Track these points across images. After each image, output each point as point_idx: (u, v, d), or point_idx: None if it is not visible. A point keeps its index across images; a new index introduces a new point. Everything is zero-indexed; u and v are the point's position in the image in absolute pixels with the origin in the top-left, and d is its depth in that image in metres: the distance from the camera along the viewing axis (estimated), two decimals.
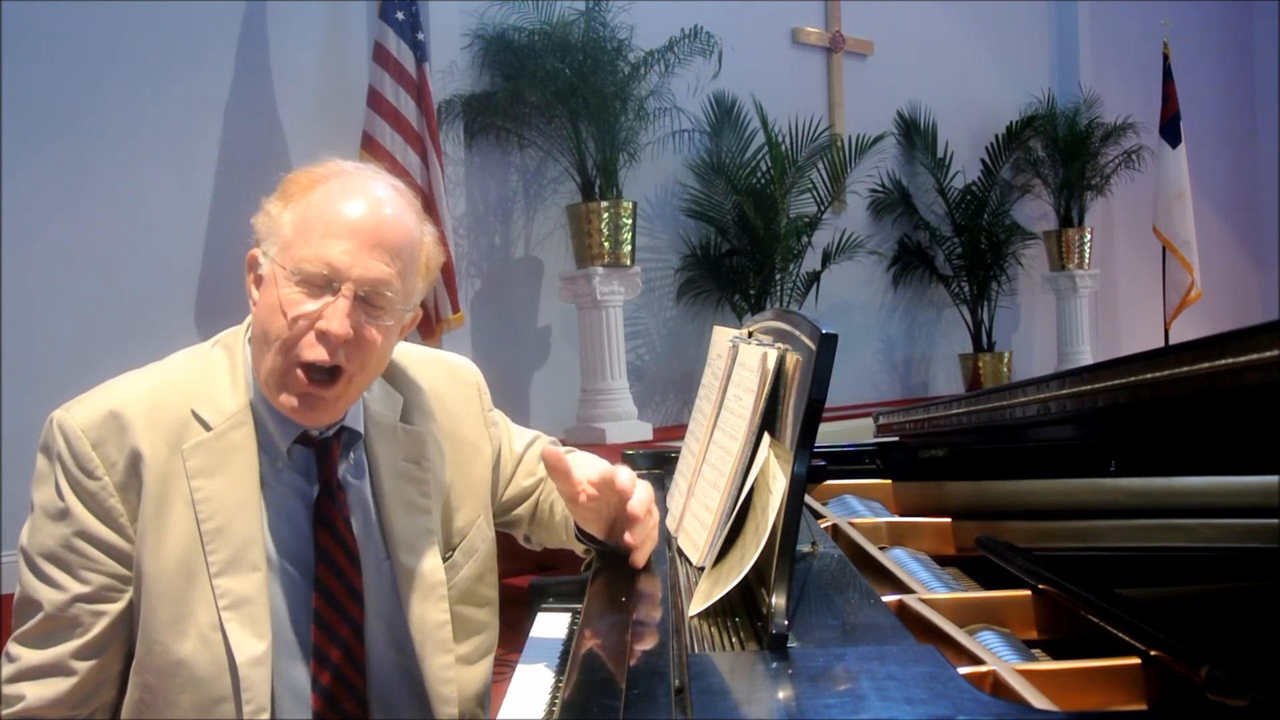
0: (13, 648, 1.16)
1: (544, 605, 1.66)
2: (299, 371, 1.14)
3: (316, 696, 1.19)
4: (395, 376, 1.35)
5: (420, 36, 4.09)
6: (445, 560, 1.29)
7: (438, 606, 1.26)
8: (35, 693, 1.14)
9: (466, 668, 1.31)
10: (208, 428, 1.17)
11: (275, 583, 1.19)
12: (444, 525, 1.31)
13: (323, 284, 1.13)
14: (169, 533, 1.14)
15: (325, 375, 1.15)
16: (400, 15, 4.04)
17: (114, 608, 1.15)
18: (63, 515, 1.14)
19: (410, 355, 1.40)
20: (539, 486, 1.47)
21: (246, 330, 1.25)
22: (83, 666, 1.15)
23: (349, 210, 1.14)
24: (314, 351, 1.13)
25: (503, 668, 1.42)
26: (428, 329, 4.16)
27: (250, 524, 1.16)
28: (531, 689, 1.34)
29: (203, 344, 1.27)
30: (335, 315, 1.13)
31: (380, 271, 1.15)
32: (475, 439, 1.39)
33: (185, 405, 1.17)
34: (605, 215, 4.45)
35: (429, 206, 4.06)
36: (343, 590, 1.21)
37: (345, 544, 1.22)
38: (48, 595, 1.14)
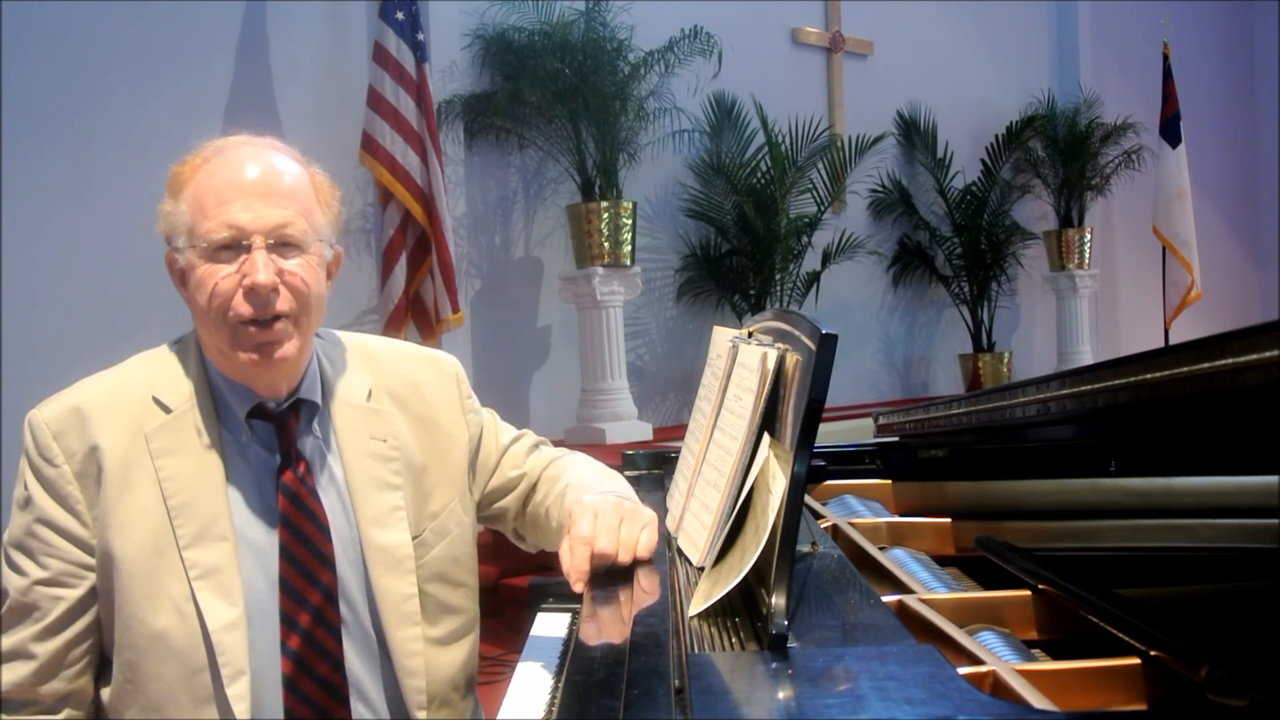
0: None
1: (544, 605, 1.66)
2: (245, 329, 1.20)
3: (286, 660, 1.21)
4: (368, 362, 1.39)
5: (420, 36, 4.09)
6: (415, 539, 1.32)
7: (404, 580, 1.29)
8: (4, 677, 1.18)
9: (439, 649, 1.32)
10: (167, 410, 1.22)
11: (246, 554, 1.22)
12: (417, 506, 1.33)
13: (234, 245, 1.19)
14: (136, 513, 1.18)
15: (271, 320, 1.20)
16: (400, 15, 4.04)
17: (71, 593, 1.19)
18: (26, 504, 1.19)
19: (389, 345, 1.45)
20: (523, 480, 1.48)
21: (195, 330, 1.30)
22: (41, 650, 1.18)
23: (234, 174, 1.21)
24: (247, 307, 1.19)
25: (502, 668, 1.43)
26: (428, 329, 4.16)
27: (215, 497, 1.20)
28: (531, 689, 1.34)
29: (165, 343, 1.33)
30: (255, 268, 1.18)
31: (280, 215, 1.21)
32: (452, 426, 1.41)
33: (146, 394, 1.23)
34: (605, 215, 4.45)
35: (429, 207, 4.07)
36: (310, 557, 1.23)
37: (310, 511, 1.25)
38: (13, 582, 1.19)
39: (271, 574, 1.22)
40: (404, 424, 1.35)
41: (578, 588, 1.16)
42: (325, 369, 1.33)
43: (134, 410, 1.21)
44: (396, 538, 1.29)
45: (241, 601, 1.18)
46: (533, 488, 1.48)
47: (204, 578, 1.17)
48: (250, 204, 1.19)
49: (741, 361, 1.25)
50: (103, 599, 1.20)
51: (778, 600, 0.91)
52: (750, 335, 1.33)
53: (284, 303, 1.20)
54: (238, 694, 1.16)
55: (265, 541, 1.22)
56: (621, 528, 1.20)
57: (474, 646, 1.40)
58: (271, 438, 1.26)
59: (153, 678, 1.17)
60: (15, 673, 1.18)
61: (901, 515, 1.66)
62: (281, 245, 1.21)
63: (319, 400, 1.30)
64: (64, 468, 1.18)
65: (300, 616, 1.21)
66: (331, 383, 1.33)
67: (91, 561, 1.19)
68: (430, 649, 1.30)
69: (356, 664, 1.26)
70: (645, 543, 1.21)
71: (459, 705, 1.35)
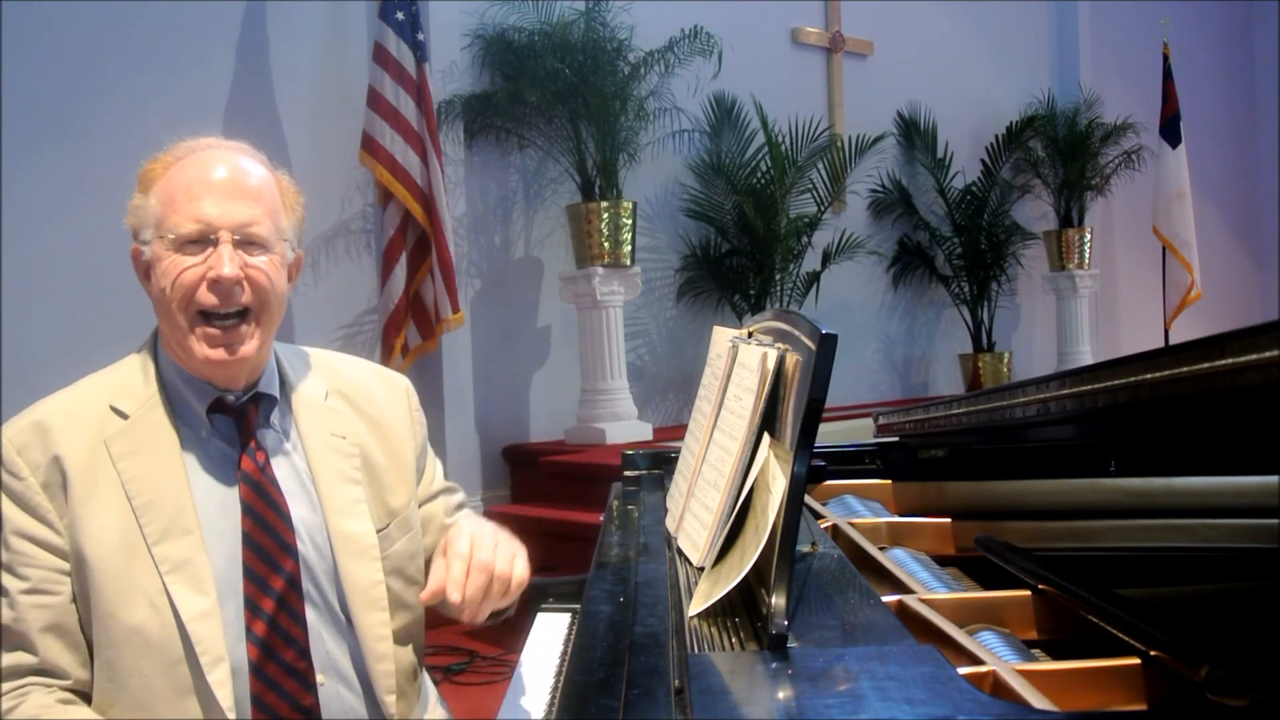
0: None
1: (544, 605, 1.66)
2: (208, 327, 1.24)
3: (252, 646, 1.23)
4: (323, 367, 1.43)
5: (420, 36, 4.09)
6: (380, 531, 1.35)
7: (371, 567, 1.32)
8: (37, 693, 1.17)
9: (395, 647, 1.34)
10: (125, 417, 1.26)
11: (215, 545, 1.24)
12: (377, 501, 1.37)
13: (201, 239, 1.23)
14: (103, 516, 1.20)
15: (234, 319, 1.25)
16: (400, 15, 4.04)
17: (54, 600, 1.20)
18: None
19: (343, 356, 1.50)
20: (441, 531, 1.49)
21: (153, 334, 1.33)
22: (45, 656, 1.19)
23: (205, 172, 1.26)
24: (210, 298, 1.23)
25: (502, 667, 1.43)
26: (427, 329, 4.16)
27: (179, 492, 1.23)
28: (531, 689, 1.35)
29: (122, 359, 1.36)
30: (221, 261, 1.23)
31: (247, 214, 1.26)
32: (403, 431, 1.45)
33: (103, 403, 1.26)
34: (605, 215, 4.45)
35: (429, 207, 4.06)
36: (273, 544, 1.26)
37: (271, 499, 1.28)
38: None
39: (238, 563, 1.24)
40: (360, 424, 1.39)
41: (454, 596, 1.21)
42: (285, 369, 1.37)
43: (93, 421, 1.24)
44: (361, 526, 1.33)
45: (214, 591, 1.21)
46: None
47: (175, 571, 1.20)
48: (220, 200, 1.24)
49: (741, 361, 1.25)
50: (80, 602, 1.21)
51: (778, 600, 0.91)
52: (750, 335, 1.33)
53: (246, 296, 1.25)
54: (219, 680, 1.18)
55: (231, 532, 1.25)
56: (497, 548, 1.26)
57: (421, 642, 1.43)
58: (232, 431, 1.29)
59: (133, 673, 1.18)
60: (44, 697, 1.18)
61: (901, 515, 1.66)
62: (247, 243, 1.25)
63: (277, 395, 1.34)
64: (29, 480, 1.20)
65: (265, 603, 1.24)
66: (291, 382, 1.37)
67: (67, 567, 1.21)
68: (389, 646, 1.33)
69: (334, 648, 1.29)
70: (519, 570, 1.27)
71: (411, 699, 1.37)
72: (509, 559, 1.27)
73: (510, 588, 1.27)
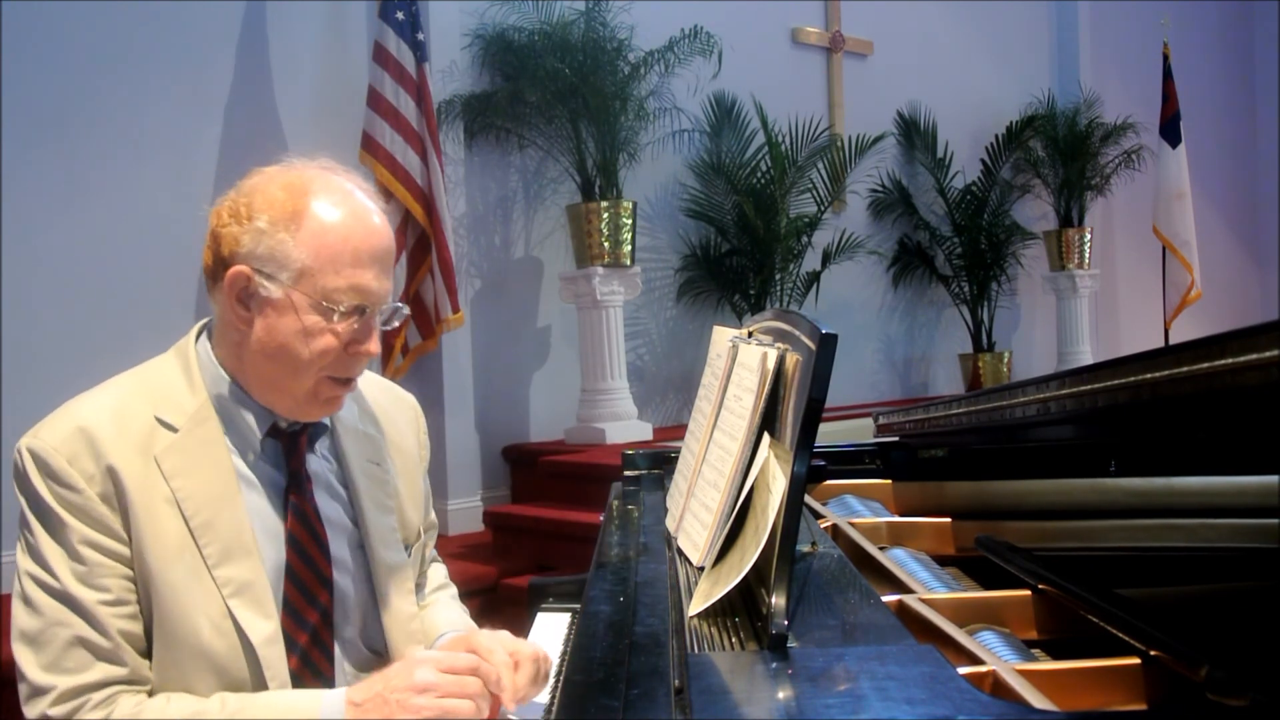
0: (44, 678, 1.11)
1: (544, 605, 1.66)
2: (331, 382, 1.23)
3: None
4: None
5: (420, 36, 4.09)
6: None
7: (408, 600, 1.33)
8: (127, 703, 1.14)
9: None
10: (174, 430, 1.20)
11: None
12: (402, 527, 1.38)
13: (354, 311, 1.20)
14: (162, 533, 1.16)
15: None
16: (400, 15, 4.04)
17: (133, 609, 1.16)
18: (59, 529, 1.14)
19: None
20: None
21: (196, 336, 1.28)
22: (133, 664, 1.15)
23: (364, 236, 1.21)
24: (350, 370, 1.24)
25: None
26: (428, 329, 4.16)
27: (235, 513, 1.20)
28: None
29: (151, 360, 1.29)
30: (374, 339, 1.23)
31: (389, 286, 1.25)
32: (415, 454, 1.46)
33: (148, 413, 1.20)
34: (605, 215, 4.45)
35: (429, 206, 4.07)
36: (312, 578, 1.24)
37: (314, 531, 1.26)
38: (69, 621, 1.12)
39: (280, 592, 1.22)
40: (385, 448, 1.39)
41: (511, 707, 1.18)
42: None
43: (139, 433, 1.18)
44: (398, 557, 1.33)
45: (275, 614, 1.19)
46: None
47: (238, 594, 1.17)
48: (379, 275, 1.22)
49: (741, 361, 1.25)
50: (145, 616, 1.17)
51: (778, 600, 0.91)
52: (750, 335, 1.33)
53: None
54: None
55: (275, 559, 1.22)
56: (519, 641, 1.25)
57: None
58: (279, 456, 1.26)
59: (195, 693, 1.15)
60: (134, 697, 1.14)
61: (901, 515, 1.66)
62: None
63: (328, 423, 1.32)
64: (87, 491, 1.14)
65: (300, 637, 1.22)
66: None
67: (134, 575, 1.16)
68: None
69: (358, 680, 1.26)
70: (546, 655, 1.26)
71: None
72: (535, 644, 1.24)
73: (546, 671, 1.24)
